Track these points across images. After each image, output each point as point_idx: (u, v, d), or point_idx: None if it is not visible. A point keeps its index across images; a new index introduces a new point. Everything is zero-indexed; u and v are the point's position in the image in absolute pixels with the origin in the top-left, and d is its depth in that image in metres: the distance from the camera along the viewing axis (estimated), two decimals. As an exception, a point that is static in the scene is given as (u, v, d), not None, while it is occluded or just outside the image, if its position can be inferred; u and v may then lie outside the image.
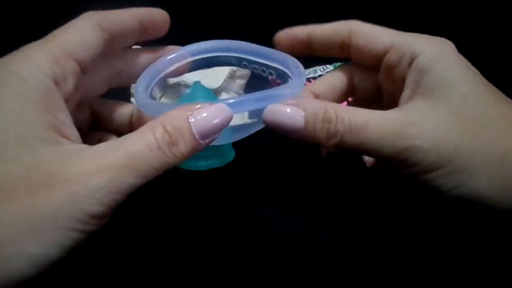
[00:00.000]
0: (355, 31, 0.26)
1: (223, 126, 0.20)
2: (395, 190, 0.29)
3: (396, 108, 0.24)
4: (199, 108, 0.20)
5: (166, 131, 0.19)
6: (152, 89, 0.26)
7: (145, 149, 0.19)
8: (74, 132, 0.20)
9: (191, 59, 0.28)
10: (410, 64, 0.24)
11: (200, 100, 0.28)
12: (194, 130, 0.20)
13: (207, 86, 0.31)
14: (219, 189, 0.31)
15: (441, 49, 0.23)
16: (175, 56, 0.27)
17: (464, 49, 0.25)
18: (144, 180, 0.19)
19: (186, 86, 0.38)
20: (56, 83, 0.20)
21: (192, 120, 0.20)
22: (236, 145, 0.36)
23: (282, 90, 0.23)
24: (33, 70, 0.19)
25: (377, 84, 0.27)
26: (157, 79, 0.26)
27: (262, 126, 0.25)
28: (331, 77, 0.29)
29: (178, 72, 0.28)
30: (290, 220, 0.28)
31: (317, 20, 0.27)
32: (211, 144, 0.27)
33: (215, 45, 0.28)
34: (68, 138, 0.19)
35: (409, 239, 0.25)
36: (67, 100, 0.21)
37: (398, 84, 0.25)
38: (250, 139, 0.41)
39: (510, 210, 0.21)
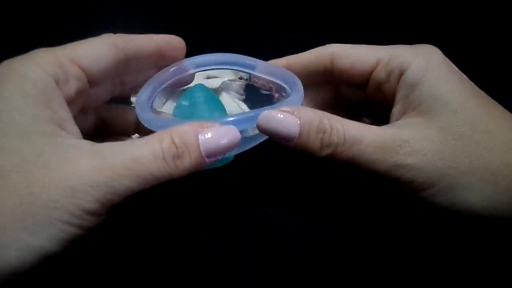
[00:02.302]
0: (336, 55, 0.26)
1: (230, 149, 0.21)
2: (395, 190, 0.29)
3: (389, 125, 0.23)
4: (209, 127, 0.21)
5: (173, 143, 0.20)
6: (153, 100, 0.26)
7: (149, 156, 0.19)
8: (75, 129, 0.21)
9: (192, 71, 0.28)
10: (399, 79, 0.24)
11: (201, 100, 0.28)
12: (201, 147, 0.20)
13: (207, 85, 0.31)
14: (219, 189, 0.31)
15: (428, 59, 0.23)
16: (177, 69, 0.27)
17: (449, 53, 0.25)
18: (142, 186, 0.19)
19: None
20: (57, 83, 0.20)
21: (202, 137, 0.20)
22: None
23: (281, 106, 0.23)
24: (35, 68, 0.20)
25: (364, 96, 0.27)
26: (158, 90, 0.26)
27: (264, 138, 0.26)
28: (310, 60, 0.28)
29: (181, 83, 0.29)
30: (291, 220, 0.28)
31: (317, 19, 0.27)
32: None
33: (216, 59, 0.29)
34: (69, 133, 0.20)
35: (409, 239, 0.25)
36: (69, 103, 0.21)
37: (388, 99, 0.25)
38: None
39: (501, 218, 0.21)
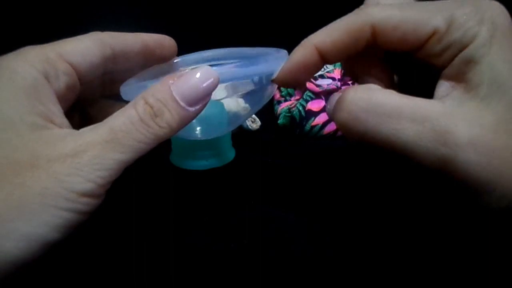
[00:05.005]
0: (381, 28, 0.20)
1: (210, 90, 0.20)
2: (397, 191, 0.29)
3: (438, 101, 0.19)
4: (181, 75, 0.20)
5: (147, 103, 0.19)
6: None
7: (126, 123, 0.19)
8: (64, 122, 0.21)
9: (183, 69, 0.28)
10: (456, 55, 0.19)
11: None
12: (177, 98, 0.19)
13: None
14: (219, 189, 0.31)
15: (494, 29, 0.19)
16: (168, 65, 0.27)
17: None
18: (133, 155, 0.19)
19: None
20: (47, 78, 0.20)
21: (174, 88, 0.19)
22: (236, 145, 0.36)
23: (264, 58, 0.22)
24: (24, 64, 0.20)
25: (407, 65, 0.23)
26: (150, 81, 0.26)
27: (254, 111, 0.25)
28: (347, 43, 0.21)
29: None
30: (290, 221, 0.27)
31: (317, 19, 0.27)
32: (210, 137, 0.26)
33: (208, 55, 0.28)
34: (58, 126, 0.20)
35: (411, 240, 0.25)
36: (59, 98, 0.21)
37: (434, 72, 0.21)
38: (250, 140, 0.41)
39: None
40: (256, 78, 0.24)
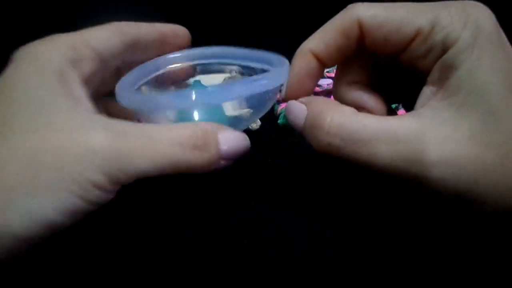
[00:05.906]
0: (367, 25, 0.21)
1: (241, 153, 0.22)
2: (396, 190, 0.29)
3: (413, 116, 0.19)
4: (227, 130, 0.21)
5: (195, 133, 0.20)
6: (140, 87, 0.26)
7: (165, 139, 0.19)
8: (90, 106, 0.21)
9: (186, 64, 0.28)
10: (439, 58, 0.19)
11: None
12: (221, 145, 0.21)
13: (206, 85, 0.31)
14: (219, 190, 0.31)
15: (478, 33, 0.18)
16: (168, 58, 0.27)
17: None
18: (155, 171, 0.19)
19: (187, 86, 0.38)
20: (72, 63, 0.21)
21: (221, 136, 0.21)
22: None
23: (264, 78, 0.22)
24: (50, 50, 0.21)
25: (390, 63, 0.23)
26: (146, 79, 0.26)
27: (257, 117, 0.25)
28: (334, 35, 0.22)
29: (177, 75, 0.29)
30: (290, 221, 0.27)
31: (316, 18, 0.27)
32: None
33: (213, 51, 0.28)
34: (86, 110, 0.20)
35: (411, 240, 0.25)
36: (84, 83, 0.22)
37: (421, 76, 0.21)
38: (250, 140, 0.41)
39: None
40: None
